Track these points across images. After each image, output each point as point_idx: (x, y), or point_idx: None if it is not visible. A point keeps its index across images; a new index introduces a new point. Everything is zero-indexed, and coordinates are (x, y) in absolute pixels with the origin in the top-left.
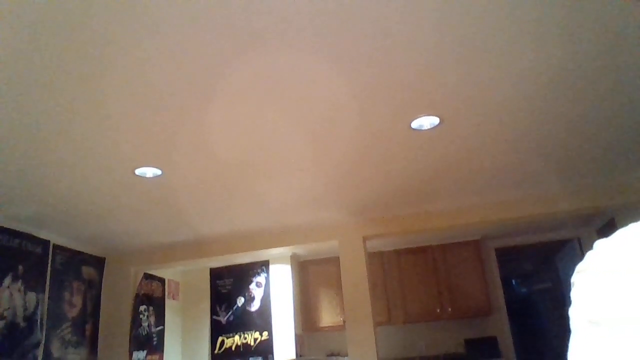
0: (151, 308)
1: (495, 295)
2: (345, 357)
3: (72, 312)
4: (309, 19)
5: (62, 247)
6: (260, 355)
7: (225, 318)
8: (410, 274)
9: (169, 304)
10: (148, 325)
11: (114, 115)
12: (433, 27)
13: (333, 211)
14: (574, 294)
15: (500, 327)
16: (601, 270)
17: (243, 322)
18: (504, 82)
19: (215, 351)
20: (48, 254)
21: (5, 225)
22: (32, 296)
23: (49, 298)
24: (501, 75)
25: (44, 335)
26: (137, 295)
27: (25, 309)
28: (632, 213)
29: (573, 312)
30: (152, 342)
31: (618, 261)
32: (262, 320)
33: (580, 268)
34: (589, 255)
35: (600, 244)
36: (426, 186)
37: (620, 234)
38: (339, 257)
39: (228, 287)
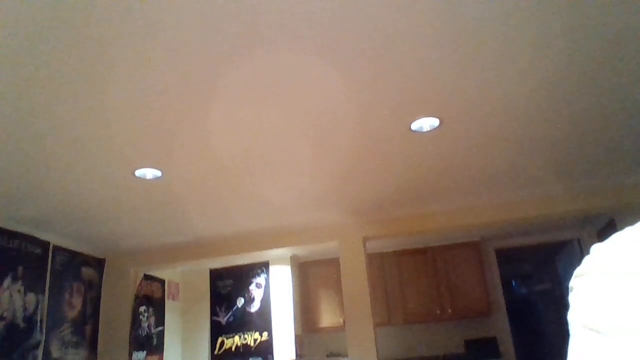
0: (151, 309)
1: (495, 296)
2: (345, 358)
3: (72, 313)
4: (309, 20)
5: (62, 248)
6: (260, 356)
7: (225, 319)
8: (410, 274)
9: (168, 304)
10: (148, 326)
11: (114, 117)
12: (433, 28)
13: (333, 212)
14: (573, 299)
15: (500, 327)
16: (599, 275)
17: (243, 322)
18: (504, 83)
19: (215, 352)
20: (48, 255)
21: (5, 226)
22: (31, 297)
23: (48, 299)
24: (501, 76)
25: (43, 336)
26: (137, 296)
27: (25, 310)
28: (632, 214)
29: (572, 317)
30: (152, 343)
31: (616, 265)
32: (262, 321)
33: (578, 272)
34: (586, 259)
35: (597, 248)
36: (426, 187)
37: (616, 238)
38: (339, 258)
39: (228, 288)
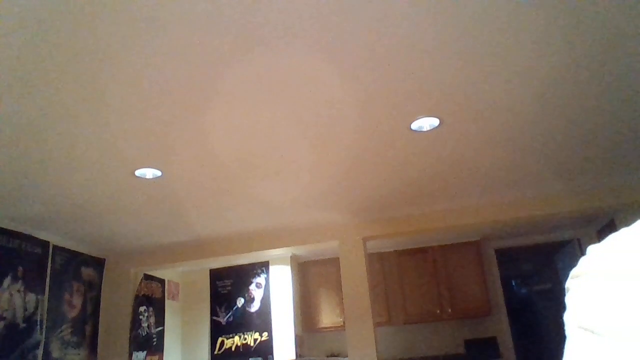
0: (151, 309)
1: (495, 295)
2: (345, 358)
3: (72, 313)
4: (310, 20)
5: (62, 248)
6: (260, 356)
7: (225, 319)
8: (410, 274)
9: (168, 304)
10: (148, 326)
11: (114, 117)
12: (433, 28)
13: (333, 212)
14: (569, 300)
15: (500, 327)
16: (595, 276)
17: (243, 322)
18: (504, 82)
19: (215, 352)
20: (48, 255)
21: (5, 226)
22: (32, 297)
23: (48, 299)
24: (501, 75)
25: (43, 336)
26: (137, 296)
27: (25, 310)
28: (632, 214)
29: (568, 318)
30: (152, 343)
31: (612, 266)
32: (262, 321)
33: (574, 273)
34: (582, 260)
35: (593, 249)
36: (426, 187)
37: (612, 239)
38: (338, 258)
39: (228, 287)
